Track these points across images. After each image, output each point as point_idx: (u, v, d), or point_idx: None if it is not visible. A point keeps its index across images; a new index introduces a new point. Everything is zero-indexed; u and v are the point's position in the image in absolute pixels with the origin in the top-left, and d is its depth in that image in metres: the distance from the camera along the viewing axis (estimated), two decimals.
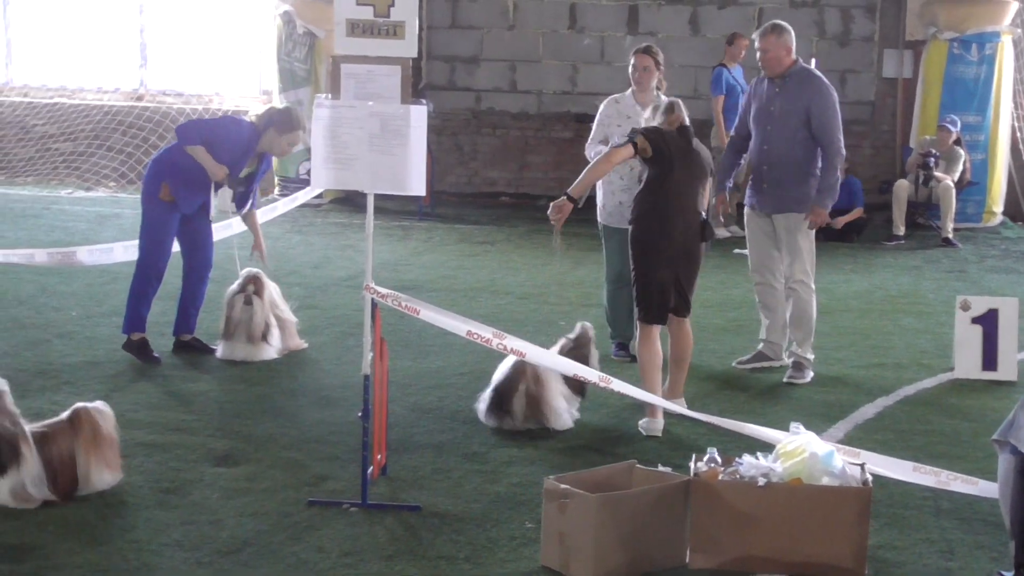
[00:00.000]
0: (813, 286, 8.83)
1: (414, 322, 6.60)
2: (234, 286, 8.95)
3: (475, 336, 6.18)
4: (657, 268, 7.42)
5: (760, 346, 9.04)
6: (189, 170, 8.57)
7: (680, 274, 7.50)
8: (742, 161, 9.22)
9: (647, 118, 7.96)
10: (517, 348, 6.18)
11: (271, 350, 8.84)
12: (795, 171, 8.69)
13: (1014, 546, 5.30)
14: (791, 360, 8.81)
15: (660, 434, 7.26)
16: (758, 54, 8.86)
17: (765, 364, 8.95)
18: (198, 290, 8.96)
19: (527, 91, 18.06)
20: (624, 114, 8.82)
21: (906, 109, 17.18)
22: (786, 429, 5.98)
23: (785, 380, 8.68)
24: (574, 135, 17.01)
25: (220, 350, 8.83)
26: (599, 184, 8.88)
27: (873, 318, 10.99)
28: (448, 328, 6.27)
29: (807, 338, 8.77)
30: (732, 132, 9.39)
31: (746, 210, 9.06)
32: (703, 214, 7.59)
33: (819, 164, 8.69)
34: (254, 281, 8.95)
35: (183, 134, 8.65)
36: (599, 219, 9.08)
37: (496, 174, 18.04)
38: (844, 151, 8.76)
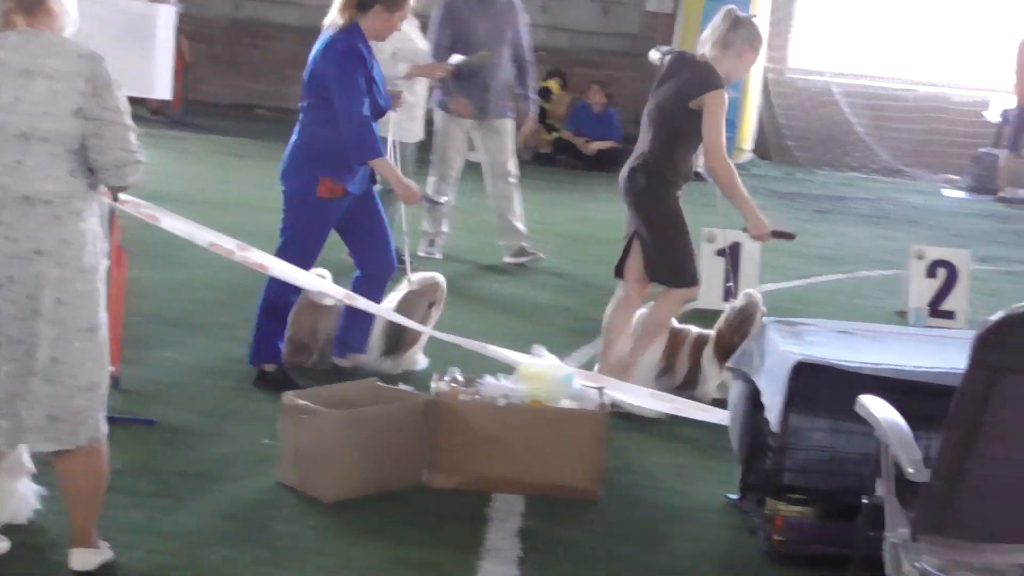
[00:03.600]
0: None
1: (159, 232, 6.39)
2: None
3: (218, 247, 6.02)
4: None
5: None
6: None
7: None
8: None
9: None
10: (259, 261, 6.05)
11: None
12: (508, 82, 9.83)
13: (741, 470, 5.47)
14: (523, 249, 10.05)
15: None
16: None
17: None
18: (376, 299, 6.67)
19: (288, 2, 17.66)
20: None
21: (666, 43, 17.46)
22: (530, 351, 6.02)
23: (530, 263, 9.88)
24: None
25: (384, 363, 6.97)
26: None
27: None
28: (190, 238, 6.10)
29: None
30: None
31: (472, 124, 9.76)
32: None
33: None
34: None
35: (361, 147, 6.35)
36: None
37: (254, 86, 17.65)
38: None
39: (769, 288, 9.76)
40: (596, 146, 15.51)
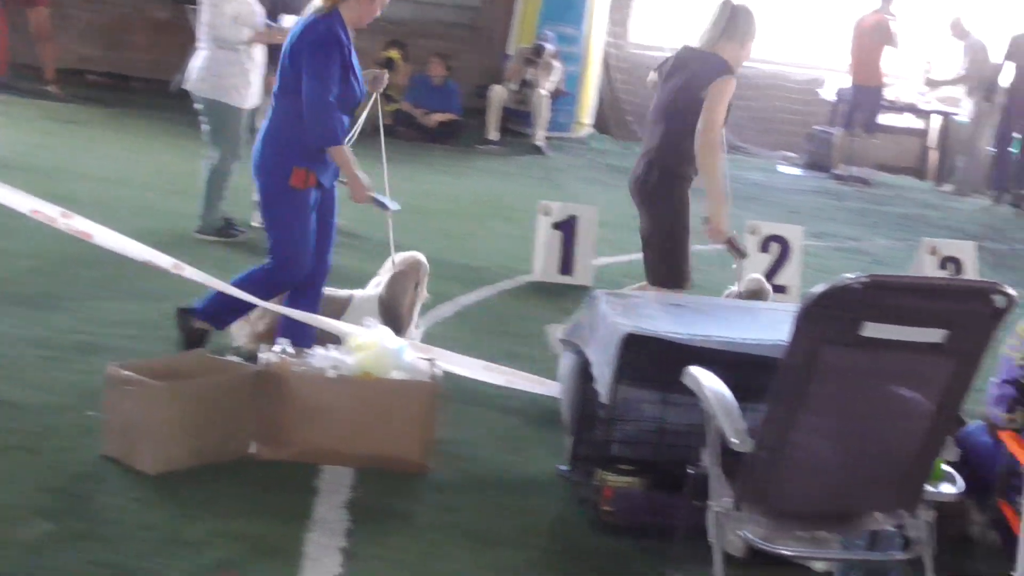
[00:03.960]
0: None
1: None
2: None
3: (40, 214, 5.83)
4: None
5: None
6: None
7: None
8: None
9: None
10: (83, 229, 5.87)
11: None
12: None
13: (571, 441, 5.49)
14: None
15: None
16: None
17: None
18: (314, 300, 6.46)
19: None
20: None
21: (507, 16, 17.44)
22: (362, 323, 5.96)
23: None
24: (171, 16, 16.40)
25: None
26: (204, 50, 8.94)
27: (462, 220, 11.14)
28: (10, 204, 5.90)
29: None
30: None
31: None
32: None
33: None
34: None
35: (323, 132, 6.05)
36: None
37: (86, 51, 17.17)
38: None
39: (604, 262, 9.85)
40: (436, 118, 15.46)
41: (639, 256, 10.31)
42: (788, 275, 9.43)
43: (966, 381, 3.98)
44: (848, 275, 3.78)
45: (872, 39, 16.51)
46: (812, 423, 3.98)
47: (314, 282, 6.41)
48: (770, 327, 5.05)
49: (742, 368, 4.57)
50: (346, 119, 6.24)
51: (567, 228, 9.17)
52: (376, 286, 6.88)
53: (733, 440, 3.98)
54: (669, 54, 7.04)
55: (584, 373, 5.26)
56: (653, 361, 4.96)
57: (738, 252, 6.84)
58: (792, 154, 18.14)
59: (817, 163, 17.45)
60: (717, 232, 6.65)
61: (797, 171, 17.46)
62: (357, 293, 6.88)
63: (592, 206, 9.61)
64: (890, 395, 4.02)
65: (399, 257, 6.95)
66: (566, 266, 9.17)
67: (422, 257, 7.02)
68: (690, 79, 6.65)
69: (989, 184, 16.87)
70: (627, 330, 4.93)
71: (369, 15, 6.25)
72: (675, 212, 6.78)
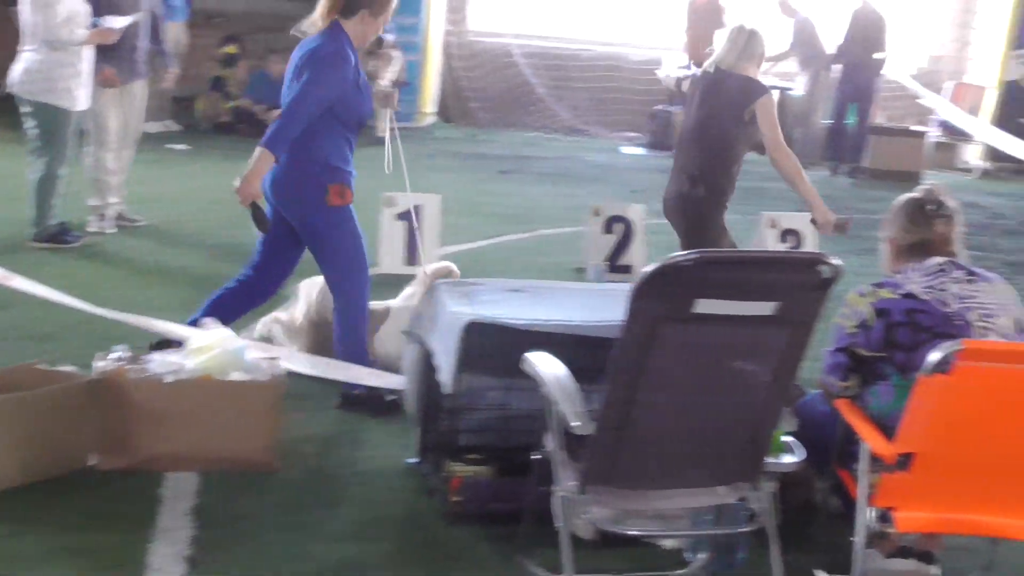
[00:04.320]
0: None
1: None
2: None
3: None
4: None
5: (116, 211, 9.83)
6: (342, 155, 6.10)
7: None
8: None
9: None
10: None
11: None
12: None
13: (419, 433, 5.45)
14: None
15: None
16: None
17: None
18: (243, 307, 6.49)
19: None
20: None
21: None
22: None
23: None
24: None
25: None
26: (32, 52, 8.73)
27: None
28: None
29: None
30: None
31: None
32: None
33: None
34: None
35: (275, 134, 5.90)
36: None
37: None
38: None
39: (451, 250, 9.81)
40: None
41: (485, 243, 10.41)
42: (633, 255, 9.49)
43: (800, 351, 4.02)
44: (678, 253, 3.79)
45: (705, 19, 16.69)
46: (652, 400, 3.98)
47: (263, 294, 6.37)
48: (609, 308, 5.04)
49: (583, 350, 4.58)
50: (352, 138, 6.14)
51: (411, 218, 9.11)
52: (410, 297, 6.79)
53: (574, 423, 3.97)
54: (697, 73, 7.51)
55: (427, 364, 5.22)
56: (495, 348, 4.93)
57: (845, 226, 7.18)
58: (634, 134, 18.28)
59: (659, 142, 17.58)
60: (826, 223, 7.09)
61: (640, 151, 17.60)
62: (393, 304, 6.81)
63: (436, 195, 9.57)
64: (727, 368, 4.04)
65: (432, 268, 6.85)
66: (412, 256, 9.11)
67: (454, 267, 7.00)
68: (728, 103, 7.07)
69: (826, 156, 17.19)
70: (467, 318, 4.90)
71: (373, 32, 6.15)
72: (712, 240, 7.18)
